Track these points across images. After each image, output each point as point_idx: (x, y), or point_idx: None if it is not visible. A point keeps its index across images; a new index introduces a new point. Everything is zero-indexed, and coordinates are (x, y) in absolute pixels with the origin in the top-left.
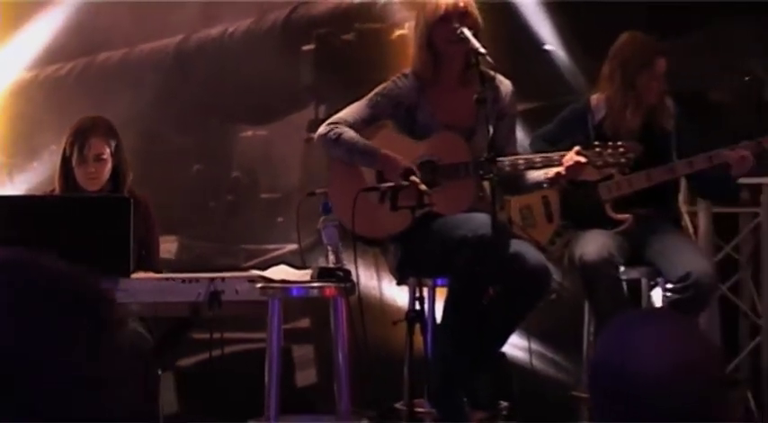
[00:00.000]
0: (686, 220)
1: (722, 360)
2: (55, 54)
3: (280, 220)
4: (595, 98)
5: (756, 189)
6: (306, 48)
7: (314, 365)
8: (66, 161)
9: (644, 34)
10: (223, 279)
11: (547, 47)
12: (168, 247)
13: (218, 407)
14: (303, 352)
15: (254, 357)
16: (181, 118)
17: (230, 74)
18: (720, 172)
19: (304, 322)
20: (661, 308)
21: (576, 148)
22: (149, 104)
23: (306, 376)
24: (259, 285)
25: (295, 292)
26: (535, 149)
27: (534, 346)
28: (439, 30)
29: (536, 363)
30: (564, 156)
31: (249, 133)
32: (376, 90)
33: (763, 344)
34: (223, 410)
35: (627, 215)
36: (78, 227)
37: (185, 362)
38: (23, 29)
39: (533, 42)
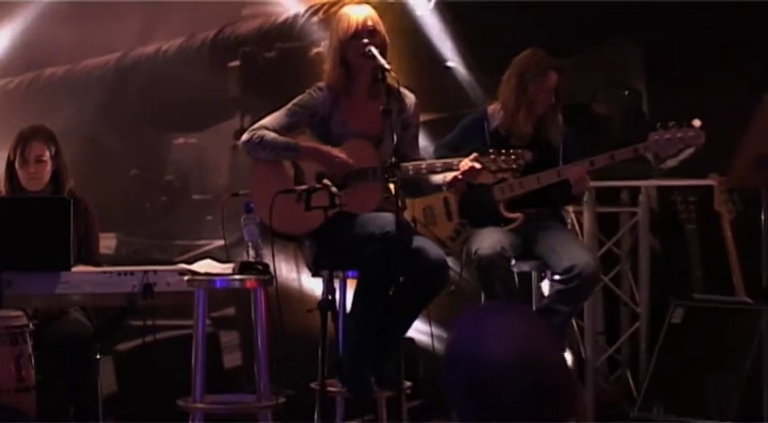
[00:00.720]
0: (572, 218)
1: (563, 351)
2: (4, 69)
3: (209, 218)
4: (492, 108)
5: (635, 191)
6: (232, 64)
7: (239, 349)
8: (10, 164)
9: (544, 51)
10: (155, 272)
11: (449, 64)
12: (108, 243)
13: (152, 387)
14: (230, 337)
15: (184, 342)
16: (119, 127)
17: (164, 87)
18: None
19: (230, 311)
20: (499, 303)
21: (473, 155)
22: (91, 115)
23: (232, 359)
24: (186, 278)
25: (218, 284)
26: (438, 156)
27: (436, 331)
28: (350, 46)
29: (438, 346)
30: (461, 161)
31: (181, 140)
32: (294, 101)
33: (640, 329)
34: (157, 390)
35: (518, 214)
36: (22, 225)
37: (123, 347)
38: None
39: (437, 59)
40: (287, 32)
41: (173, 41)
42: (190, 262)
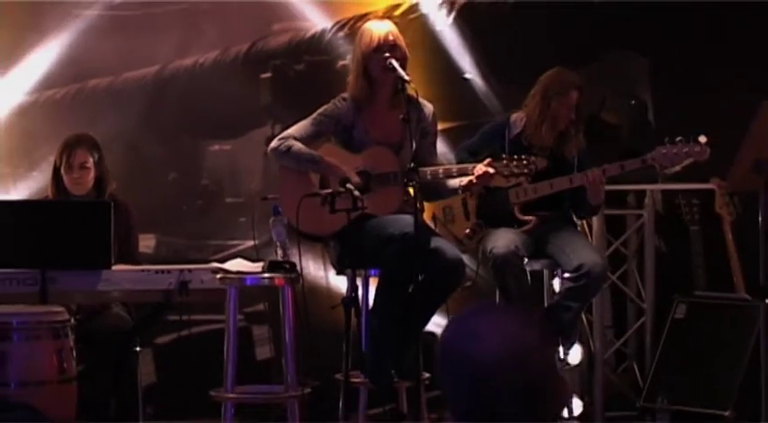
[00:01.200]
0: (582, 222)
1: (554, 348)
2: (51, 80)
3: (242, 220)
4: (515, 116)
5: (641, 194)
6: (263, 76)
7: (269, 342)
8: (56, 170)
9: (569, 70)
10: (190, 270)
11: (467, 75)
12: (147, 243)
13: (188, 378)
14: (261, 331)
15: (217, 336)
16: (158, 135)
17: (200, 98)
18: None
19: (261, 306)
20: (491, 301)
21: (487, 159)
22: (132, 123)
23: (263, 352)
24: (219, 276)
25: (249, 282)
26: (459, 159)
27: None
28: (372, 59)
29: None
30: (476, 166)
31: (216, 147)
32: (319, 110)
33: (646, 324)
34: (193, 381)
35: (531, 217)
36: (66, 226)
37: (161, 340)
38: (25, 59)
39: (455, 71)
40: (315, 46)
41: (208, 55)
42: (223, 261)
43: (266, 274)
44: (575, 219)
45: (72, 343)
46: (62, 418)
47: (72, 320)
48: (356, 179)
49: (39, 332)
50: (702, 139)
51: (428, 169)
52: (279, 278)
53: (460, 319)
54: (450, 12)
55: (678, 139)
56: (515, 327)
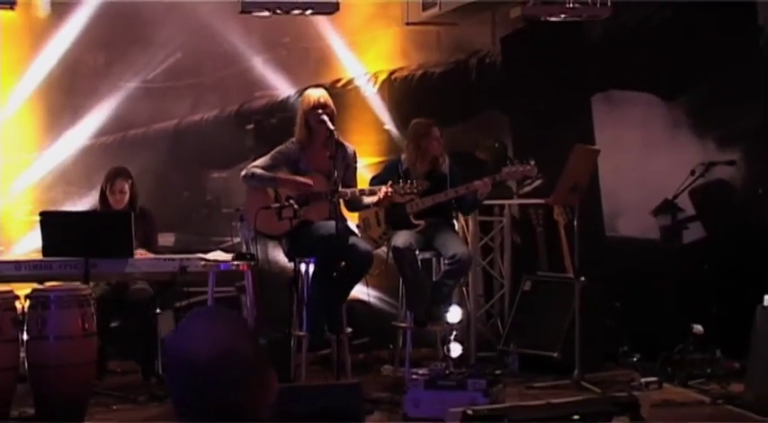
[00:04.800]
0: (462, 223)
1: (260, 348)
2: (104, 130)
3: (233, 223)
4: (404, 155)
5: (502, 206)
6: (248, 127)
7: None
8: (103, 192)
9: (424, 118)
10: (188, 259)
11: (386, 126)
12: (168, 239)
13: None
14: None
15: (223, 301)
16: (177, 167)
17: (205, 141)
18: (471, 196)
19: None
20: (216, 306)
21: (388, 183)
22: (159, 159)
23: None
24: (202, 263)
25: (222, 267)
26: (373, 185)
27: (372, 292)
28: (310, 115)
29: (372, 301)
30: (381, 189)
31: (216, 175)
32: (275, 149)
33: (505, 294)
34: None
35: (422, 221)
36: (107, 228)
37: (179, 304)
38: (87, 115)
39: (379, 123)
40: (283, 107)
41: (211, 113)
42: (206, 253)
43: (234, 262)
44: (454, 220)
45: (92, 309)
46: (86, 360)
47: (92, 294)
48: (309, 182)
49: (68, 302)
50: (532, 161)
51: (348, 190)
52: (242, 264)
53: (180, 326)
54: (375, 84)
55: (515, 161)
56: (224, 329)
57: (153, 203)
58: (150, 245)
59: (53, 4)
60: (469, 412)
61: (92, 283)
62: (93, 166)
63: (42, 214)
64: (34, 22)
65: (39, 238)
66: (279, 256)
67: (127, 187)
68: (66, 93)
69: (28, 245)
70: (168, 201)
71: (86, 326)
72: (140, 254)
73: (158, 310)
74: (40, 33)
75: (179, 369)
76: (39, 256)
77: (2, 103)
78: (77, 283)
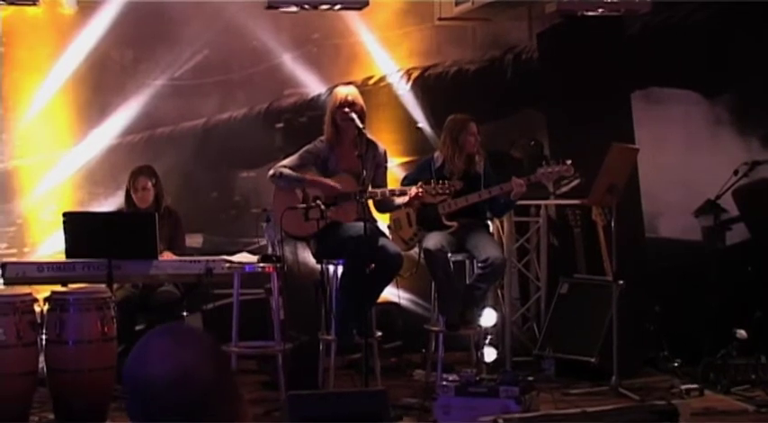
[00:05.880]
0: (497, 224)
1: (223, 365)
2: (131, 129)
3: (262, 224)
4: (436, 154)
5: (539, 207)
6: (278, 126)
7: (283, 308)
8: (128, 191)
9: (461, 113)
10: (214, 261)
11: (419, 125)
12: (197, 240)
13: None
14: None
15: (245, 303)
16: (205, 166)
17: (234, 140)
18: (505, 198)
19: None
20: (179, 324)
21: (419, 184)
22: (186, 158)
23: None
24: (227, 265)
25: (247, 269)
26: (405, 185)
27: (403, 294)
28: (337, 113)
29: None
30: (411, 189)
31: (245, 174)
32: (304, 148)
33: (541, 296)
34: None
35: (454, 223)
36: (131, 229)
37: (207, 307)
38: (113, 113)
39: (412, 122)
40: (313, 105)
41: (240, 111)
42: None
43: (260, 264)
44: (488, 222)
45: (113, 313)
46: (106, 365)
47: (112, 297)
48: (333, 185)
49: (88, 305)
50: (568, 161)
51: (378, 191)
52: (268, 267)
53: (136, 348)
54: (408, 81)
55: (552, 161)
56: (183, 351)
57: (180, 204)
58: (177, 246)
59: (79, 2)
60: (501, 421)
61: (116, 286)
62: (119, 165)
63: (65, 215)
64: (60, 19)
65: (63, 240)
66: (308, 257)
67: (150, 185)
68: (93, 90)
69: (53, 246)
70: (196, 201)
71: (106, 329)
72: (166, 255)
73: (185, 313)
74: (66, 30)
75: (135, 395)
76: (63, 258)
77: (28, 101)
78: (101, 285)
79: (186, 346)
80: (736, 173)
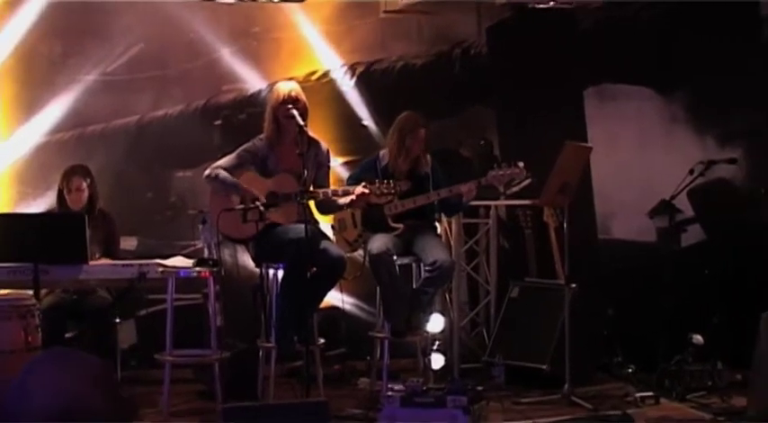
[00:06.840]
0: (445, 226)
1: (113, 393)
2: (61, 126)
3: (200, 226)
4: (383, 152)
5: (488, 208)
6: (216, 123)
7: (221, 313)
8: (60, 192)
9: (415, 113)
10: (147, 265)
11: (364, 122)
12: (131, 243)
13: (161, 340)
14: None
15: (181, 309)
16: (139, 165)
17: (169, 139)
18: (456, 199)
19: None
20: (64, 350)
21: (363, 184)
22: (119, 157)
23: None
24: (160, 270)
25: (182, 274)
26: (349, 184)
27: (347, 298)
28: (279, 110)
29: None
30: (356, 189)
31: (181, 174)
32: (242, 147)
33: (491, 301)
34: (162, 344)
35: (401, 225)
36: (58, 231)
37: (140, 313)
38: (41, 110)
39: (356, 119)
40: (253, 101)
41: (175, 108)
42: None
43: (196, 268)
44: (436, 223)
45: (37, 321)
46: None
47: (36, 304)
48: (263, 200)
49: (9, 314)
50: (521, 163)
51: (320, 191)
52: (204, 271)
53: (19, 377)
54: (352, 77)
55: (503, 164)
56: (69, 379)
57: (113, 205)
58: (111, 250)
59: None
60: None
61: (45, 291)
62: (48, 164)
63: None
64: None
65: None
66: (248, 261)
67: (85, 185)
68: (21, 85)
69: None
70: (130, 202)
71: (30, 339)
72: (98, 260)
73: (118, 320)
74: None
75: (15, 420)
76: None
77: None
78: (26, 292)
79: (71, 374)
80: (691, 172)
